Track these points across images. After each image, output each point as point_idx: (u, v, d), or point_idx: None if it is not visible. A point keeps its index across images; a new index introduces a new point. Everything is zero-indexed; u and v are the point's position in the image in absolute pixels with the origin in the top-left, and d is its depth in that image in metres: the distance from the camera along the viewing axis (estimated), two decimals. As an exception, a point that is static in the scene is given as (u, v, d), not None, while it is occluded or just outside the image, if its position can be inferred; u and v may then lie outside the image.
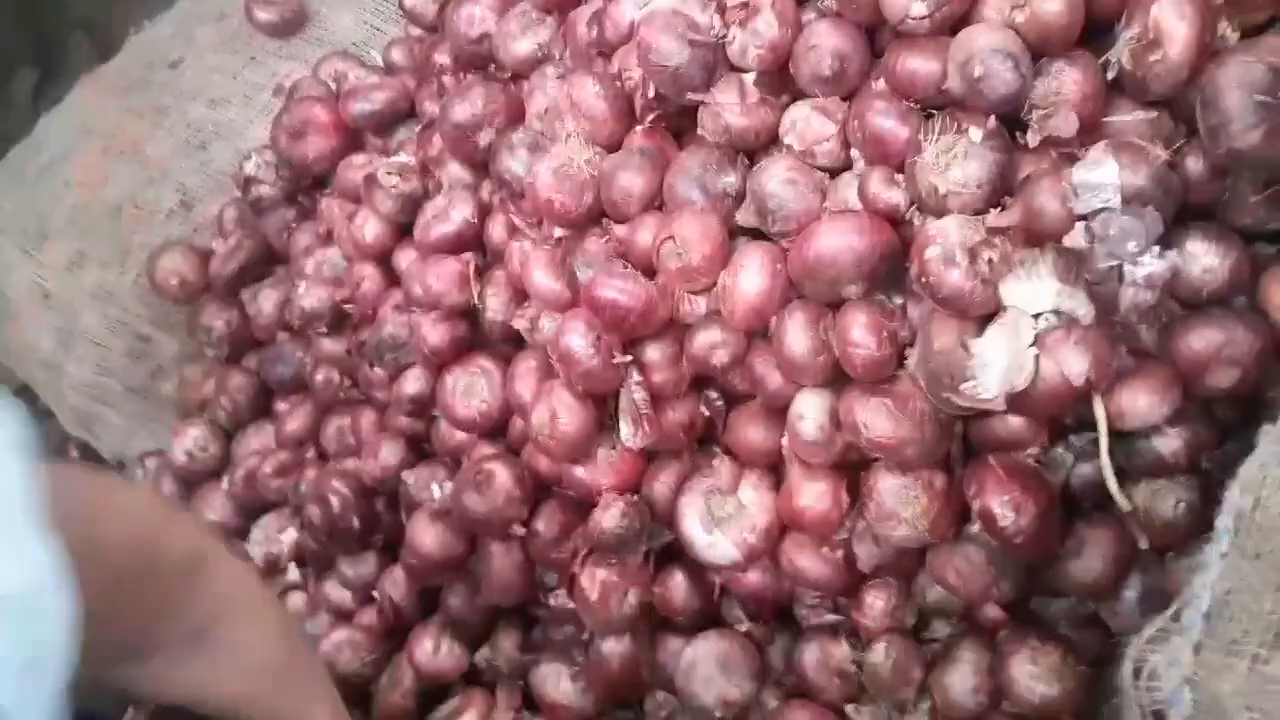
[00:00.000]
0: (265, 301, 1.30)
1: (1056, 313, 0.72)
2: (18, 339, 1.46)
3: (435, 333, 1.05)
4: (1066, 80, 0.75)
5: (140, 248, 1.42)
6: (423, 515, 1.02)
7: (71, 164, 1.50)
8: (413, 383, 1.08)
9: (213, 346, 1.33)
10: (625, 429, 0.92)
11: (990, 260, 0.73)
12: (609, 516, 0.91)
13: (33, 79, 1.96)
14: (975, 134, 0.75)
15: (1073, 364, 0.71)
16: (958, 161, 0.76)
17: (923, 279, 0.77)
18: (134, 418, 1.43)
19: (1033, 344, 0.72)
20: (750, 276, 0.86)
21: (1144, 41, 0.72)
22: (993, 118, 0.76)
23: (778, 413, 0.90)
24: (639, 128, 0.97)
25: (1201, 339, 0.74)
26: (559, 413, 0.93)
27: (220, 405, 1.30)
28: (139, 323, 1.41)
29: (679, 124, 0.97)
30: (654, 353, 0.92)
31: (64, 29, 2.07)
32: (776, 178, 0.86)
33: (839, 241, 0.80)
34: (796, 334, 0.84)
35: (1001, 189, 0.77)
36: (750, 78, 0.89)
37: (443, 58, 1.25)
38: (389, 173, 1.15)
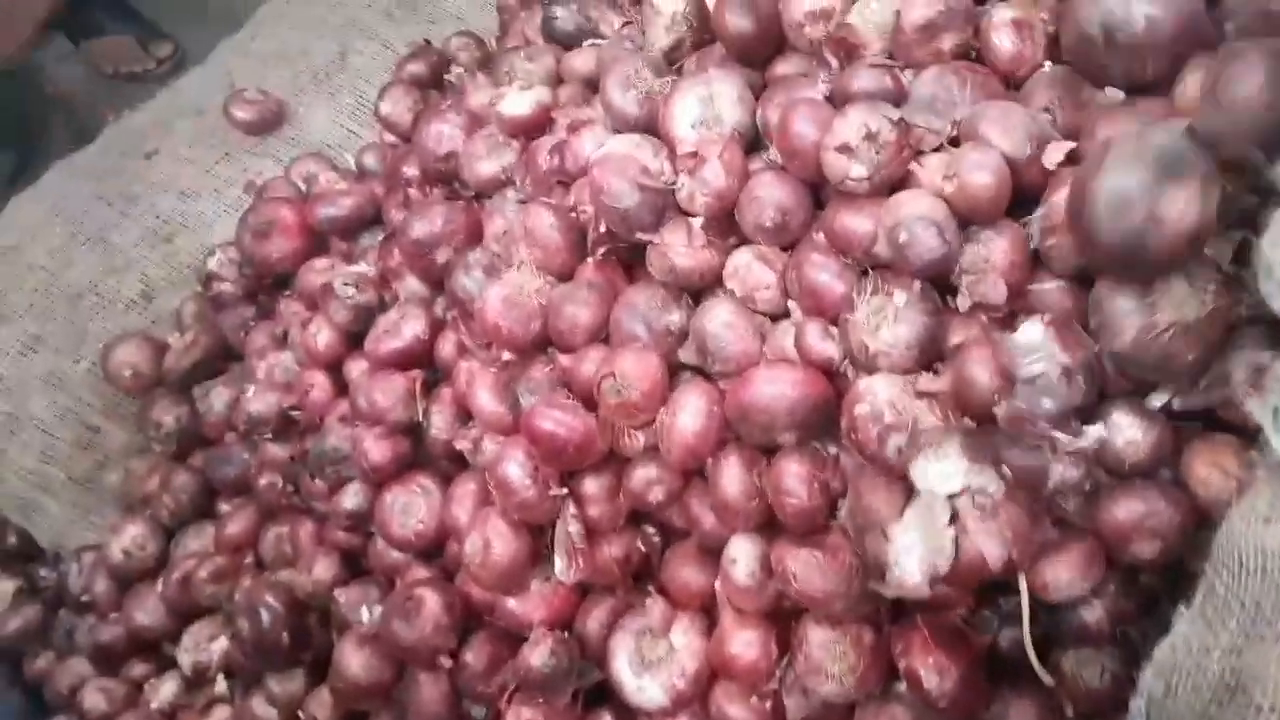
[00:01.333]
0: (217, 400, 1.30)
1: (971, 491, 0.72)
2: (-38, 420, 1.44)
3: (377, 449, 1.05)
4: (995, 248, 0.77)
5: (97, 336, 1.42)
6: (351, 638, 1.00)
7: (37, 247, 1.50)
8: (351, 498, 1.07)
9: (161, 442, 1.32)
10: (559, 562, 0.91)
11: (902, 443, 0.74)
12: (538, 654, 0.89)
13: (10, 163, 1.98)
14: (900, 297, 0.76)
15: (992, 547, 0.72)
16: (887, 323, 0.77)
17: (852, 435, 0.78)
18: (75, 508, 1.40)
19: (951, 524, 0.72)
20: (688, 417, 0.86)
21: (1049, 224, 0.75)
22: (918, 283, 0.77)
23: (713, 554, 0.90)
24: (590, 259, 0.98)
25: (1125, 510, 0.75)
26: (492, 541, 0.92)
27: (163, 502, 1.28)
28: (89, 412, 1.40)
29: (630, 257, 0.99)
30: (592, 485, 0.92)
31: (44, 111, 2.11)
32: (718, 320, 0.88)
33: (773, 390, 0.81)
34: (731, 477, 0.84)
35: (932, 352, 0.78)
36: (698, 221, 0.91)
37: (411, 170, 1.27)
38: (345, 283, 1.16)
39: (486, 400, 0.99)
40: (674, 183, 0.89)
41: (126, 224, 1.49)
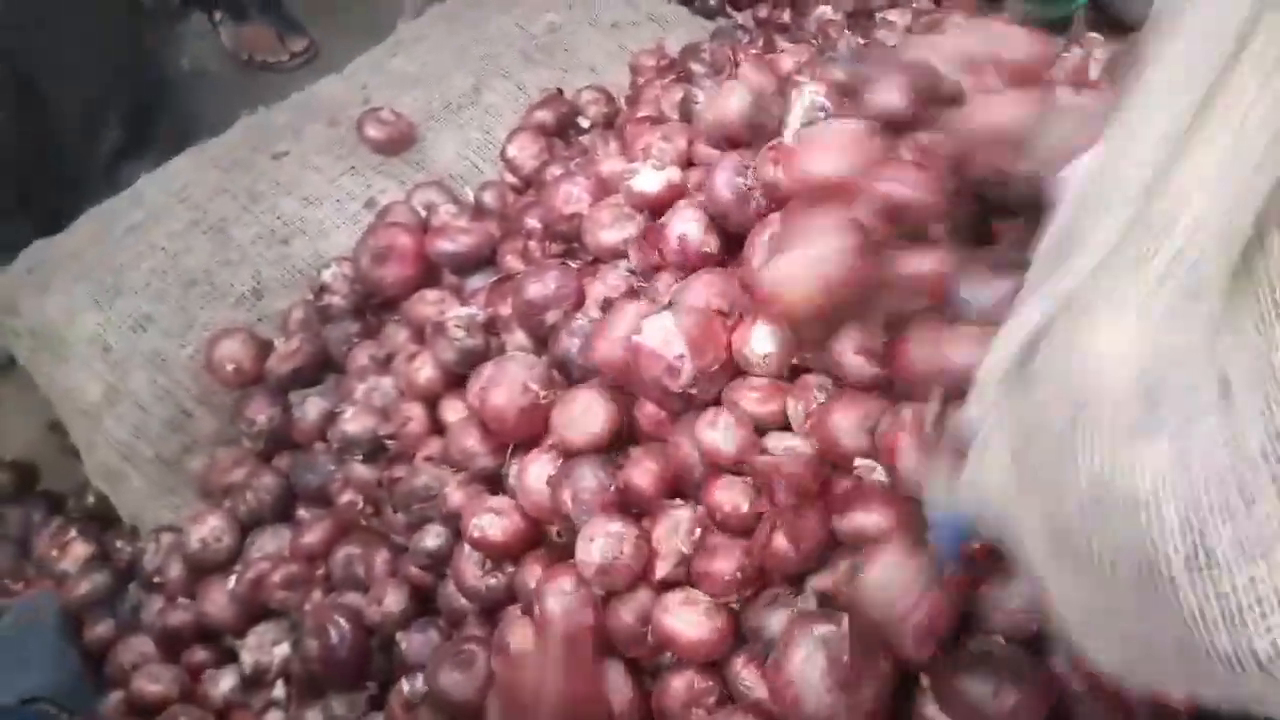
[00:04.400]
0: (312, 408, 1.34)
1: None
2: (66, 381, 1.50)
3: (458, 495, 1.08)
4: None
5: (204, 325, 1.47)
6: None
7: (159, 228, 1.57)
8: (433, 538, 1.10)
9: (251, 438, 1.37)
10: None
11: None
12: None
13: (119, 137, 2.05)
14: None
15: None
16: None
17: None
18: (156, 485, 1.46)
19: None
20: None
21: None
22: None
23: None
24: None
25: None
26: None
27: (244, 498, 1.32)
28: (185, 396, 1.45)
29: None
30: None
31: (170, 85, 2.18)
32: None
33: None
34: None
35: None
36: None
37: (534, 222, 1.31)
38: (457, 325, 1.20)
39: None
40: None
41: (247, 219, 1.55)
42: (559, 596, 0.94)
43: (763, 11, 1.86)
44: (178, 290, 1.50)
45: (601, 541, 0.92)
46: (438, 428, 1.21)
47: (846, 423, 0.87)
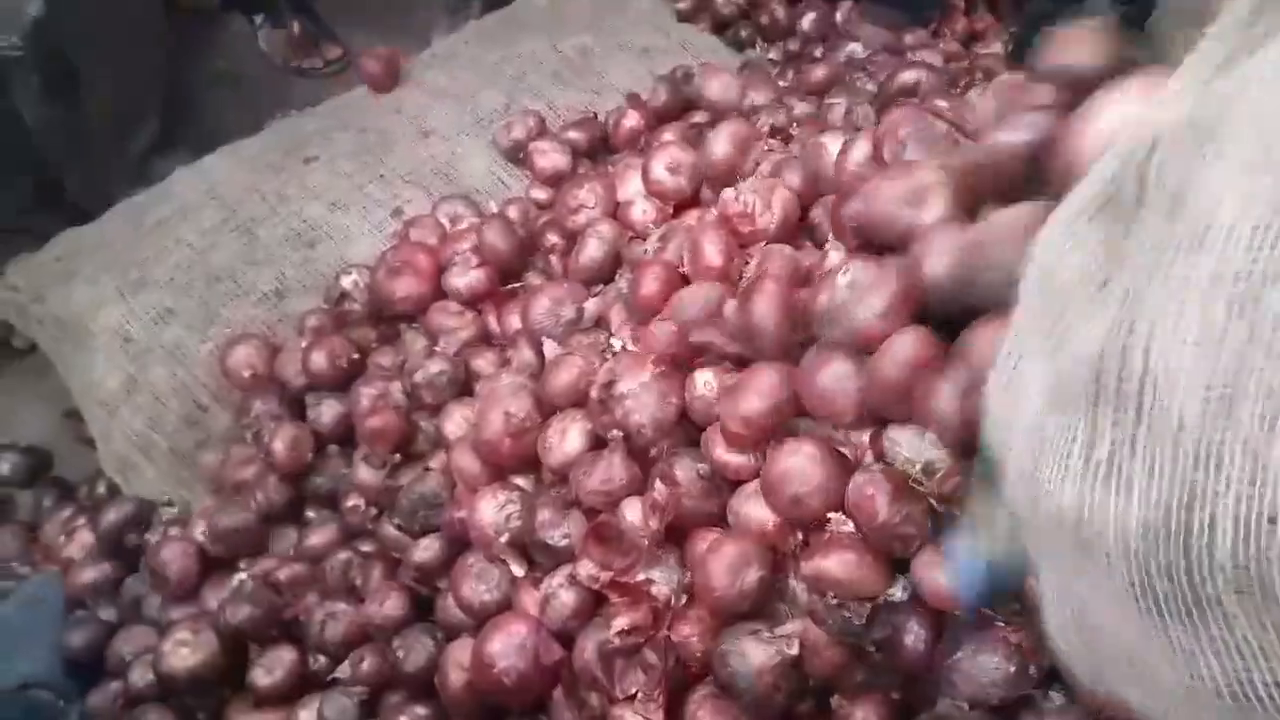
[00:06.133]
0: (327, 411, 1.34)
1: None
2: (85, 370, 1.52)
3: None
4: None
5: (226, 321, 1.49)
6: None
7: (188, 224, 1.59)
8: (423, 551, 1.12)
9: (255, 440, 1.38)
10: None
11: None
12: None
13: (152, 132, 2.08)
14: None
15: None
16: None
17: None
18: (168, 478, 1.46)
19: None
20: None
21: None
22: None
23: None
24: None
25: None
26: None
27: (255, 496, 1.33)
28: (202, 391, 1.46)
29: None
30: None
31: (206, 85, 2.21)
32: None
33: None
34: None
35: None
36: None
37: (554, 238, 1.33)
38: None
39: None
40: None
41: (274, 220, 1.57)
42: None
43: (793, 45, 1.88)
44: (202, 285, 1.52)
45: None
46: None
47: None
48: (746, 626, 0.88)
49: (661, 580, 0.91)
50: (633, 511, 0.94)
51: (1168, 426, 0.45)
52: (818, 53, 1.79)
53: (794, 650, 0.85)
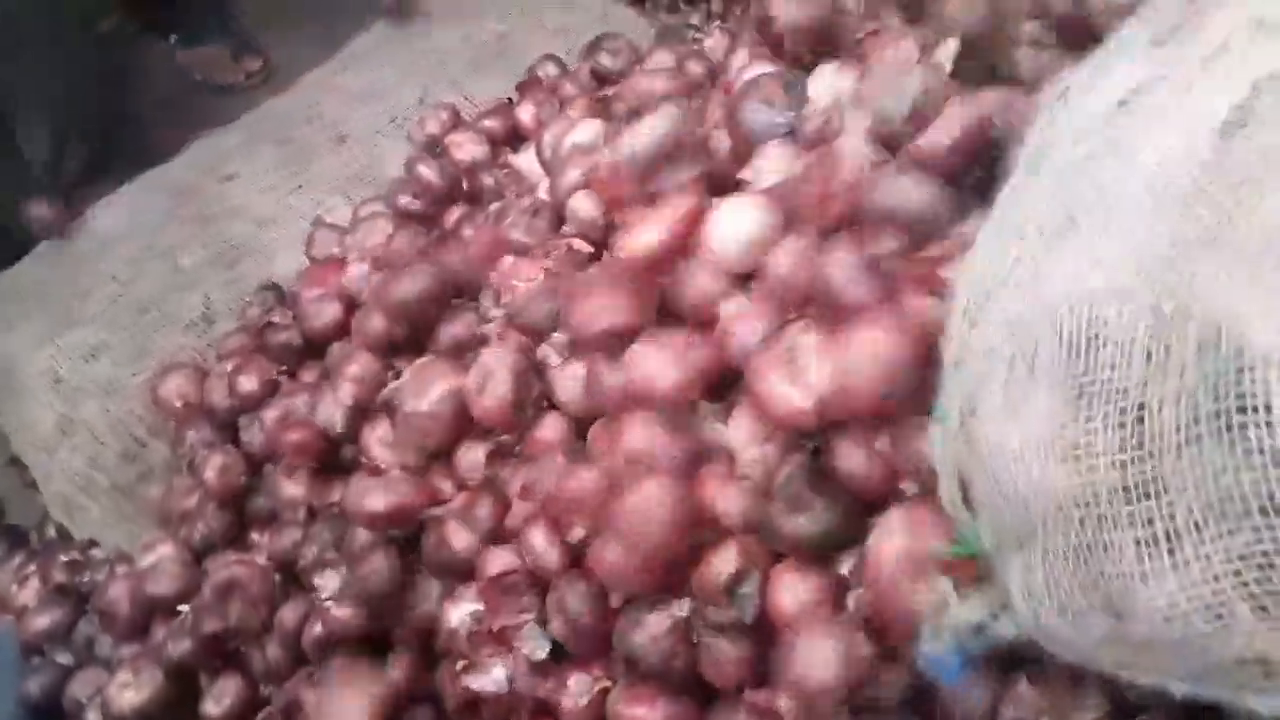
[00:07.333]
0: (259, 433, 1.32)
1: None
2: (19, 416, 1.50)
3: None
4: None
5: (157, 351, 1.46)
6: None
7: (112, 257, 1.56)
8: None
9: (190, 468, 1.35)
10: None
11: None
12: None
13: (81, 160, 2.05)
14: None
15: None
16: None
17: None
18: (113, 514, 1.45)
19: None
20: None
21: None
22: None
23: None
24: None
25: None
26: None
27: (197, 526, 1.31)
28: (138, 425, 1.44)
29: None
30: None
31: (129, 111, 2.18)
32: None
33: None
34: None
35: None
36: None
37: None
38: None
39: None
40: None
41: (195, 245, 1.54)
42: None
43: (716, 6, 1.84)
44: (130, 318, 1.50)
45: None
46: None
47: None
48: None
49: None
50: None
51: None
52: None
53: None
